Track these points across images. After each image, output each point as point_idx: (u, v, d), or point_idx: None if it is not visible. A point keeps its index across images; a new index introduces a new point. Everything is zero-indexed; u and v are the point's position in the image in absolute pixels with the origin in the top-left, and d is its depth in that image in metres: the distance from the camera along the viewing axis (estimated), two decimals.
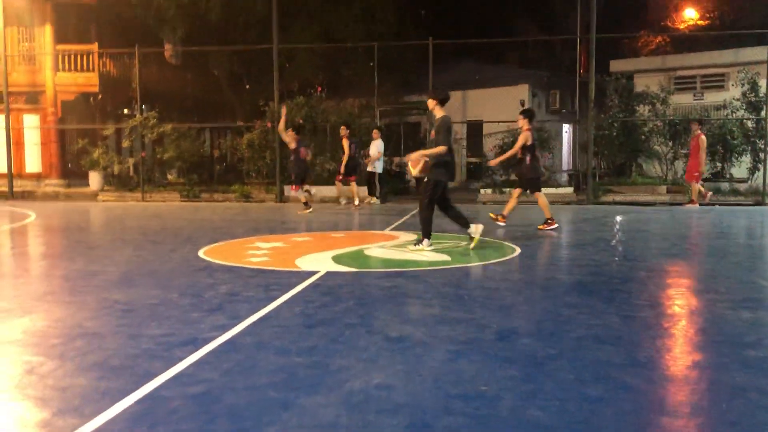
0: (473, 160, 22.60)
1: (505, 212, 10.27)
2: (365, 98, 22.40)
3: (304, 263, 6.88)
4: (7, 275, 6.45)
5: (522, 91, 22.78)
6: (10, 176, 18.49)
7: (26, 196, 18.49)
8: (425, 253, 7.42)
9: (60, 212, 14.08)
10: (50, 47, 19.61)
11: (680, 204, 14.79)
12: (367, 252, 7.73)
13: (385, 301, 5.10)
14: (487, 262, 6.99)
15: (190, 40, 20.72)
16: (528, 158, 9.86)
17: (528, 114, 9.91)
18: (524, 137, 9.81)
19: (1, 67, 18.29)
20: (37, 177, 19.87)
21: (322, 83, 20.01)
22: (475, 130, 21.68)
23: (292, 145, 12.69)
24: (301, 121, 16.83)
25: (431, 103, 7.69)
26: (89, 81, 19.58)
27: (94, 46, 19.64)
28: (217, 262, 7.03)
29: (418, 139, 21.21)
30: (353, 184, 14.68)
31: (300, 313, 4.69)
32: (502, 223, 10.17)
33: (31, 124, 19.87)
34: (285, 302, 5.03)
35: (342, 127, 14.72)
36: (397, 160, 19.06)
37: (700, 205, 14.31)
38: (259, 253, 7.69)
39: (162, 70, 22.27)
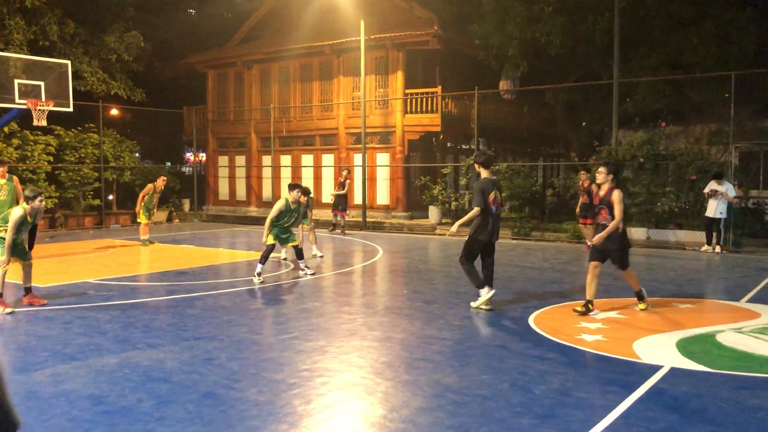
0: None
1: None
2: (715, 124, 20.11)
3: (644, 350, 6.23)
4: (356, 334, 7.03)
5: None
6: (363, 208, 20.75)
7: (376, 226, 20.51)
8: None
9: (403, 248, 15.22)
10: (401, 92, 21.53)
11: None
12: (719, 338, 6.71)
13: None
14: None
15: (526, 74, 20.94)
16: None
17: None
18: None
19: (361, 111, 20.70)
20: (386, 209, 21.91)
21: (665, 115, 18.44)
22: None
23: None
24: (642, 160, 15.72)
25: (476, 166, 8.29)
26: (432, 121, 21.00)
27: (438, 89, 21.01)
28: (549, 337, 6.76)
29: None
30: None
31: None
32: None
33: (382, 161, 22.02)
34: (622, 416, 4.53)
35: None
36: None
37: None
38: (592, 327, 7.22)
39: (498, 106, 22.91)
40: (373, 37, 20.83)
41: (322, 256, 13.37)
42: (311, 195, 13.66)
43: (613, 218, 7.68)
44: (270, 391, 5.10)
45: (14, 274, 8.86)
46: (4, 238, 8.15)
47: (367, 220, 20.73)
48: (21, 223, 8.16)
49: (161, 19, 27.32)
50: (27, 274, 8.51)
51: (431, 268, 12.49)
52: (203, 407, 4.73)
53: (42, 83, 15.98)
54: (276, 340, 6.81)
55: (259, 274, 10.23)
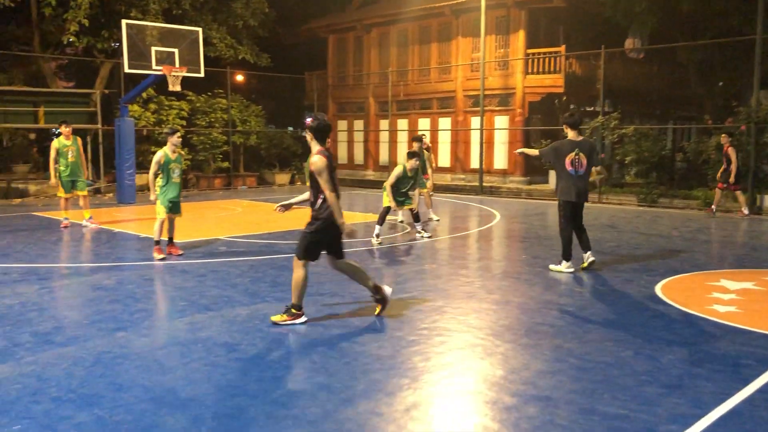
0: None
1: None
2: None
3: None
4: (473, 297, 7.04)
5: None
6: (480, 172, 20.53)
7: (493, 191, 20.28)
8: None
9: (521, 214, 14.98)
10: (522, 52, 20.93)
11: None
12: None
13: None
14: None
15: (657, 32, 19.75)
16: None
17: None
18: None
19: (480, 72, 20.35)
20: (503, 173, 21.58)
21: None
22: None
23: None
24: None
25: (564, 127, 8.10)
26: (555, 82, 20.32)
27: (562, 49, 20.25)
28: (676, 306, 6.48)
29: None
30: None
31: None
32: None
33: (501, 124, 21.61)
34: (759, 391, 4.29)
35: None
36: None
37: None
38: (725, 297, 6.83)
39: (625, 66, 21.81)
40: None
41: (438, 220, 13.41)
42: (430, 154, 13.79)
43: (319, 194, 5.57)
44: (391, 346, 5.23)
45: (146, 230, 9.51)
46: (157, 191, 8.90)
47: (484, 184, 20.51)
48: (165, 163, 8.80)
49: None
50: (171, 227, 9.22)
51: (551, 234, 12.21)
52: (328, 359, 4.93)
53: (176, 50, 16.90)
54: (395, 298, 6.95)
55: (377, 236, 10.44)
